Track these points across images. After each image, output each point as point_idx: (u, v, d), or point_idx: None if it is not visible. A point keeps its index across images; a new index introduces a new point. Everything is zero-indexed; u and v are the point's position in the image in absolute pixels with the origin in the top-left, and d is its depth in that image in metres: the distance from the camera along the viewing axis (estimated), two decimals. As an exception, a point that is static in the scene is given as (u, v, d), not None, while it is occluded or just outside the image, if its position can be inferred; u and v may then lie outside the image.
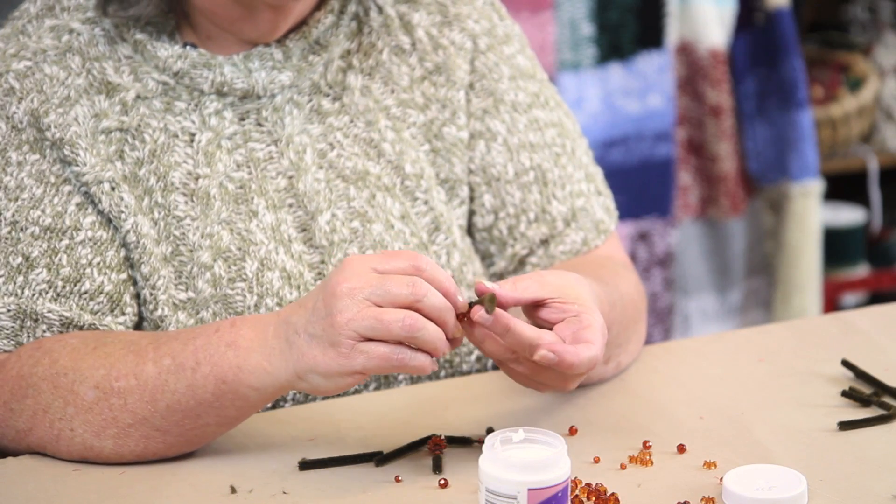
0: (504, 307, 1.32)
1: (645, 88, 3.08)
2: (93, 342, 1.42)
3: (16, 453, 1.43)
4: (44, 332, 1.47)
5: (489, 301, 1.31)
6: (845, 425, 1.44)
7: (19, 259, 1.48)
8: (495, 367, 1.60)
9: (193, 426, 1.37)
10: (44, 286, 1.47)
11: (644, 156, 3.10)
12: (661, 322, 3.19)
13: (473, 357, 1.60)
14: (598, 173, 1.67)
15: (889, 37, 3.69)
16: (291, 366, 1.32)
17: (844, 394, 1.49)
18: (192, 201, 1.53)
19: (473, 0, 1.64)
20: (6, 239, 1.48)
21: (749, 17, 3.15)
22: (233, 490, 1.34)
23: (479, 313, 1.32)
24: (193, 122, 1.54)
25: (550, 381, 1.35)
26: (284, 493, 1.34)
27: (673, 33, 3.09)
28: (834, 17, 3.82)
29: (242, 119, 1.56)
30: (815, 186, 3.16)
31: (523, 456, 1.22)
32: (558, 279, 1.36)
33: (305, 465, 1.38)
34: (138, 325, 1.52)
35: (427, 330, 1.29)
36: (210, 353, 1.35)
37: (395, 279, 1.29)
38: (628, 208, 3.06)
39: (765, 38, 3.14)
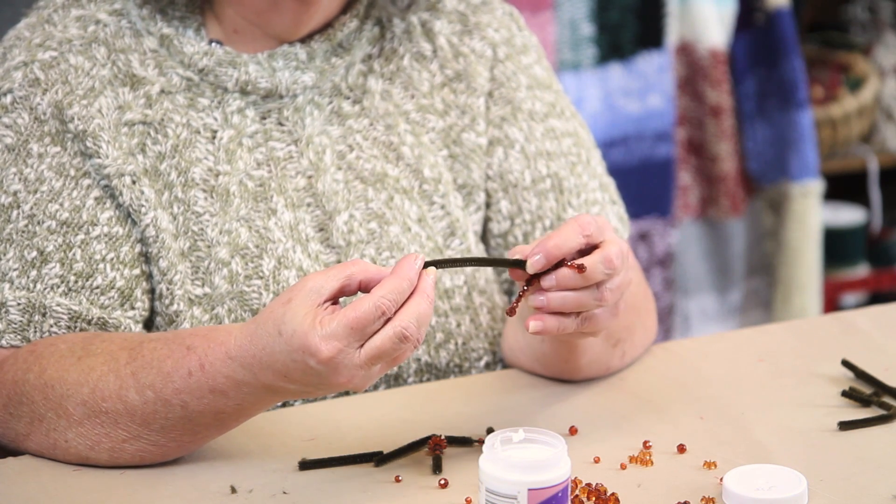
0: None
1: (645, 88, 3.08)
2: (80, 349, 1.41)
3: (17, 453, 1.43)
4: (51, 326, 1.46)
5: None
6: (845, 425, 1.44)
7: (34, 253, 1.48)
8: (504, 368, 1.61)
9: (192, 440, 1.37)
10: (56, 280, 1.47)
11: (644, 156, 3.10)
12: (661, 322, 3.18)
13: (483, 363, 1.60)
14: (611, 183, 1.68)
15: (889, 37, 3.69)
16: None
17: (844, 394, 1.49)
18: (212, 197, 1.53)
19: (493, 10, 1.65)
20: (23, 232, 1.48)
21: (749, 17, 3.15)
22: (233, 490, 1.34)
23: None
24: (216, 119, 1.55)
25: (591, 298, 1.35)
26: (284, 493, 1.34)
27: (673, 33, 3.09)
28: (834, 17, 3.81)
29: (264, 118, 1.56)
30: (815, 186, 3.15)
31: (523, 456, 1.22)
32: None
33: (305, 465, 1.38)
34: (149, 320, 1.52)
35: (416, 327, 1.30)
36: (196, 397, 1.34)
37: (371, 332, 1.27)
38: (628, 208, 3.05)
39: (765, 38, 3.14)
